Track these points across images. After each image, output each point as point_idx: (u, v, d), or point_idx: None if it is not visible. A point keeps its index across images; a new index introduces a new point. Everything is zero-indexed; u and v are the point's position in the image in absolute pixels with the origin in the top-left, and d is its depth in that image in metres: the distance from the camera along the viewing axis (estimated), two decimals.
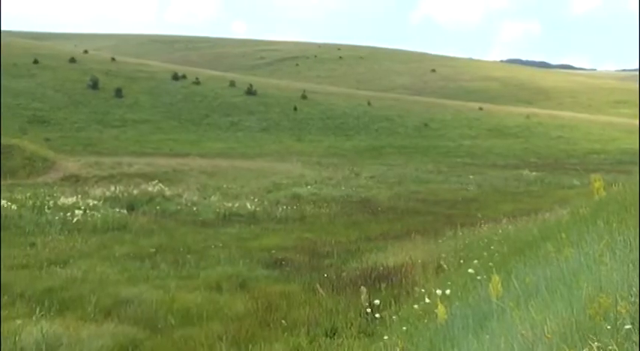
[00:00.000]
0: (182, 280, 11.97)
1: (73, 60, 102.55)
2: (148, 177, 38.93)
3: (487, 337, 4.43)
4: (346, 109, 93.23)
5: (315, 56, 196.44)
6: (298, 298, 10.12)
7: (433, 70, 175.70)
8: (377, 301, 8.43)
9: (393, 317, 7.98)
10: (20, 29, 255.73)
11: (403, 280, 10.37)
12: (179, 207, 24.59)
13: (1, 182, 37.58)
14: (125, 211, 22.37)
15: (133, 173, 42.54)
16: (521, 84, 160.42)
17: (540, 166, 54.13)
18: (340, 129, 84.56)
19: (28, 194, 26.51)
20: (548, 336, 3.65)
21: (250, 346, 7.67)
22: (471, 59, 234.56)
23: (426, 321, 6.68)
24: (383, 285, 10.24)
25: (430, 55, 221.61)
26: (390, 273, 11.09)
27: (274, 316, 9.01)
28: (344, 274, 11.89)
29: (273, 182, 37.23)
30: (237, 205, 24.67)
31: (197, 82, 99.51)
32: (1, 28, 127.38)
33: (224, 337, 8.00)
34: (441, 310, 4.73)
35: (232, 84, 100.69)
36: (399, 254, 13.37)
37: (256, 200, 26.20)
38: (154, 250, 15.54)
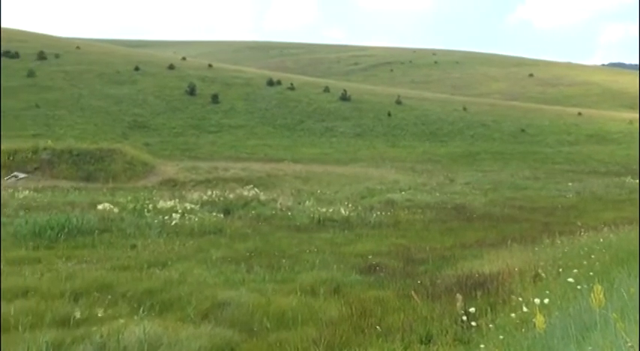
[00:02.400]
0: (277, 284, 12.07)
1: (171, 67, 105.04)
2: (244, 181, 39.57)
3: (589, 348, 4.31)
4: (441, 115, 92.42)
5: (410, 61, 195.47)
6: (392, 304, 10.06)
7: (531, 75, 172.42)
8: (473, 309, 8.31)
9: (490, 326, 7.84)
10: (122, 38, 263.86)
11: (499, 288, 10.18)
12: (274, 211, 24.84)
13: (104, 185, 38.83)
14: (221, 215, 22.75)
15: (229, 178, 43.30)
16: (623, 88, 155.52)
17: None
18: (435, 135, 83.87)
19: (129, 198, 27.32)
20: None
21: None
22: (570, 63, 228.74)
23: (523, 330, 6.54)
24: (478, 293, 10.07)
25: (528, 59, 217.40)
26: (486, 281, 10.91)
27: (368, 321, 8.97)
28: (439, 281, 11.76)
29: (367, 188, 37.22)
30: (331, 210, 24.74)
31: (292, 88, 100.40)
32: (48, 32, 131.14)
33: (319, 342, 8.02)
34: (539, 319, 4.62)
35: (327, 90, 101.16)
36: (495, 262, 13.14)
37: (350, 206, 26.22)
38: (249, 253, 15.74)
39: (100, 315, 8.67)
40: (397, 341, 7.85)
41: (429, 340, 7.96)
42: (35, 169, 46.42)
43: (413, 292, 9.94)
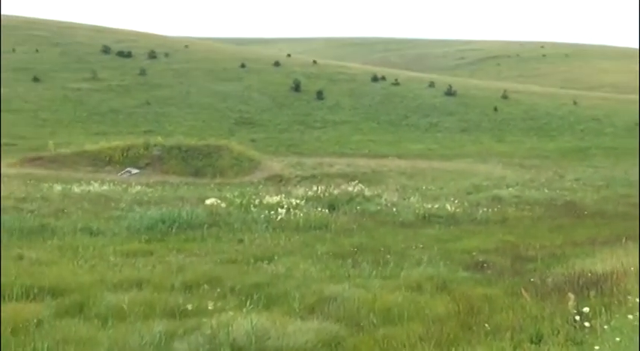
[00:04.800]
0: (383, 280, 12.02)
1: (277, 63, 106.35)
2: (348, 177, 39.63)
3: None
4: (550, 109, 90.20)
5: (518, 55, 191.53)
6: (501, 302, 9.85)
7: None
8: (586, 309, 8.04)
9: (604, 327, 7.59)
10: (229, 36, 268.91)
11: (614, 288, 9.82)
12: (379, 207, 24.74)
13: (212, 181, 39.67)
14: (326, 211, 22.82)
15: (334, 173, 43.51)
16: None
17: None
18: (543, 129, 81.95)
19: (236, 193, 27.79)
20: None
21: (452, 349, 7.58)
22: None
23: None
24: (591, 292, 9.74)
25: None
26: (599, 280, 10.53)
27: (476, 319, 8.82)
28: (549, 279, 11.45)
29: (472, 184, 36.70)
30: (436, 206, 24.47)
31: (396, 84, 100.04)
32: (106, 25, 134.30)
33: (425, 338, 7.95)
34: None
35: (432, 85, 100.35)
36: (609, 260, 12.69)
37: (456, 202, 25.87)
38: (354, 249, 15.73)
39: (210, 308, 8.83)
40: (506, 340, 7.68)
41: (540, 340, 7.75)
42: (146, 164, 47.88)
43: (523, 290, 9.70)
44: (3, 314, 8.73)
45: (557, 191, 32.82)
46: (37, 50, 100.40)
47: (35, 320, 8.70)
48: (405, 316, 9.14)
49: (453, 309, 9.47)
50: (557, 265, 13.54)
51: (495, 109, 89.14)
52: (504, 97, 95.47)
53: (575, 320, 8.04)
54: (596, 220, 22.77)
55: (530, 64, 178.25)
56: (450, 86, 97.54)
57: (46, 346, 7.53)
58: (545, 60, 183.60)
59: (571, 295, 8.78)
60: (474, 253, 15.18)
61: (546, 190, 32.72)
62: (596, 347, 6.36)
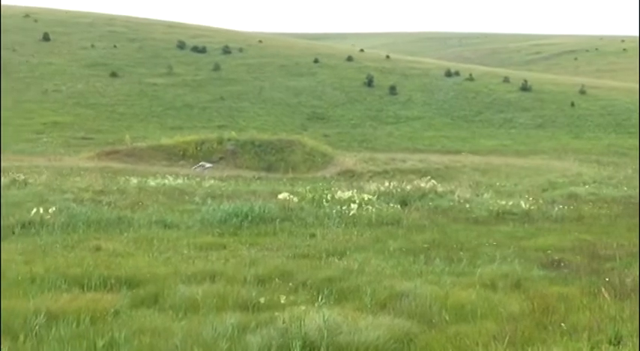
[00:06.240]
0: (455, 277, 11.88)
1: (350, 58, 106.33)
2: (421, 173, 39.44)
3: None
4: (629, 105, 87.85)
5: (596, 49, 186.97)
6: (577, 301, 9.62)
7: None
8: None
9: None
10: (302, 31, 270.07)
11: None
12: (451, 203, 24.51)
13: (284, 175, 39.96)
14: (398, 206, 22.69)
15: (406, 169, 43.33)
16: None
17: None
18: (622, 126, 79.91)
19: (308, 187, 27.88)
20: None
21: (527, 348, 7.43)
22: None
23: None
24: None
25: None
26: None
27: (552, 318, 8.63)
28: (628, 279, 11.15)
29: (548, 180, 36.08)
30: (510, 203, 24.09)
31: (470, 79, 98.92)
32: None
33: (499, 337, 7.82)
34: None
35: (506, 80, 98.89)
36: None
37: (531, 199, 25.43)
38: (426, 245, 15.60)
39: (282, 301, 8.88)
40: (584, 341, 7.50)
41: (619, 342, 7.55)
42: (220, 159, 48.58)
43: (603, 290, 9.46)
44: (83, 303, 8.98)
45: (636, 189, 31.95)
46: (114, 46, 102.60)
47: (112, 310, 8.91)
48: (478, 314, 9.02)
49: (527, 307, 9.30)
50: (636, 264, 13.17)
51: (572, 104, 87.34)
52: (582, 92, 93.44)
53: None
54: None
55: (608, 59, 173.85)
56: (526, 81, 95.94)
57: (123, 335, 7.69)
58: (625, 54, 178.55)
59: None
60: (550, 251, 14.88)
61: (625, 188, 31.89)
62: None
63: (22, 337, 7.61)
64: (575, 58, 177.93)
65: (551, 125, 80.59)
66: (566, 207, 24.15)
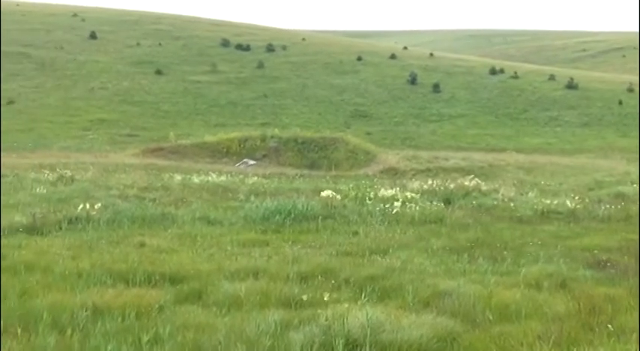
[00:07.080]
0: (499, 276, 11.77)
1: (393, 56, 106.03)
2: (464, 171, 39.15)
3: None
4: None
5: None
6: (625, 302, 9.46)
7: None
8: None
9: None
10: (346, 29, 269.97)
11: None
12: (495, 202, 24.28)
13: (327, 173, 39.97)
14: (441, 205, 22.57)
15: (449, 167, 43.04)
16: None
17: None
18: None
19: (351, 185, 27.87)
20: None
21: (573, 349, 7.34)
22: None
23: None
24: None
25: None
26: None
27: (598, 319, 8.51)
28: None
29: (594, 179, 35.53)
30: (555, 202, 23.77)
31: (515, 77, 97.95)
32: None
33: (544, 337, 7.73)
34: None
35: (552, 78, 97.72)
36: None
37: (576, 198, 25.08)
38: (470, 244, 15.49)
39: (325, 299, 8.88)
40: (632, 342, 7.37)
41: None
42: (263, 156, 48.79)
43: None
44: (127, 299, 9.09)
45: None
46: (160, 44, 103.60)
47: (157, 306, 9.01)
48: (522, 314, 8.93)
49: (573, 308, 9.18)
50: None
51: (620, 102, 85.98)
52: (630, 90, 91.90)
53: None
54: None
55: None
56: (572, 79, 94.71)
57: (167, 330, 7.76)
58: None
59: None
60: (596, 251, 14.66)
61: None
62: None
63: (69, 331, 7.73)
64: (623, 56, 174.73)
65: (598, 123, 79.45)
66: (612, 206, 23.75)
